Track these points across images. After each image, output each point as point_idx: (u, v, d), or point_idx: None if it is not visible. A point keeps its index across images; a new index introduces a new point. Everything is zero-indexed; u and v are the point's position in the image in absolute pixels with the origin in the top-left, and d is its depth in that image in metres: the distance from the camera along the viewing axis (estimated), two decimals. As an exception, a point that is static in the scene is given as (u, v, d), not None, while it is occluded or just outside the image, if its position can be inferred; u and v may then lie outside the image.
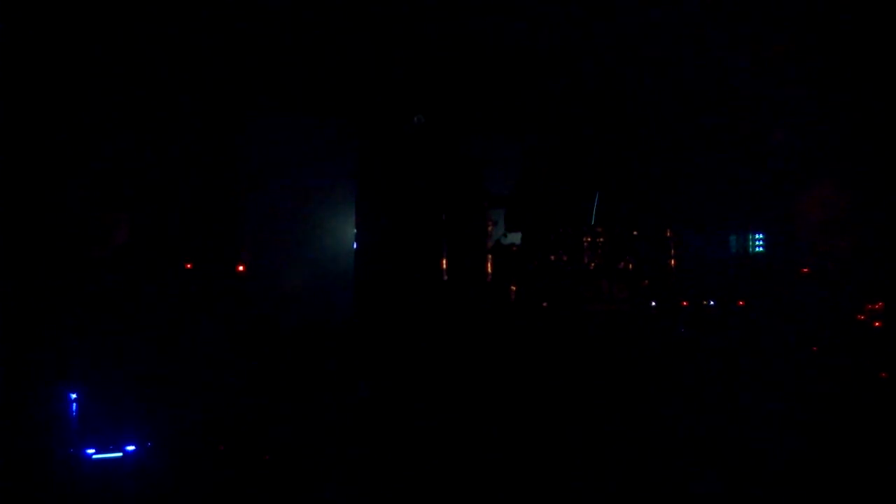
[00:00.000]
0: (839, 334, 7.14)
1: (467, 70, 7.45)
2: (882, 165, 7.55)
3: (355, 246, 7.22)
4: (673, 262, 7.14)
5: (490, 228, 7.15)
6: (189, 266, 6.76)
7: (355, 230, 7.23)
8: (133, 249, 6.51)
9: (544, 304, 6.62)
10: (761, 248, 8.68)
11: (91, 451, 4.71)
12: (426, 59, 7.40)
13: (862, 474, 4.31)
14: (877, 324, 7.26)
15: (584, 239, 6.75)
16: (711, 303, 7.98)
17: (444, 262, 6.84)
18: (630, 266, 6.85)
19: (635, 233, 6.97)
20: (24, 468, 4.45)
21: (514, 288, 6.84)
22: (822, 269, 7.99)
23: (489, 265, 7.04)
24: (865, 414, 5.35)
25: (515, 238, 7.22)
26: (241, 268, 7.15)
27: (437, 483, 4.37)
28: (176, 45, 6.38)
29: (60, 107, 5.88)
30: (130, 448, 4.77)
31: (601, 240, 6.79)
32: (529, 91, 7.37)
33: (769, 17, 6.87)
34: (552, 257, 6.72)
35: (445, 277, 6.86)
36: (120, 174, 6.45)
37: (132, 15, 6.06)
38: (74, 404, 5.16)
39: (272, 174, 7.57)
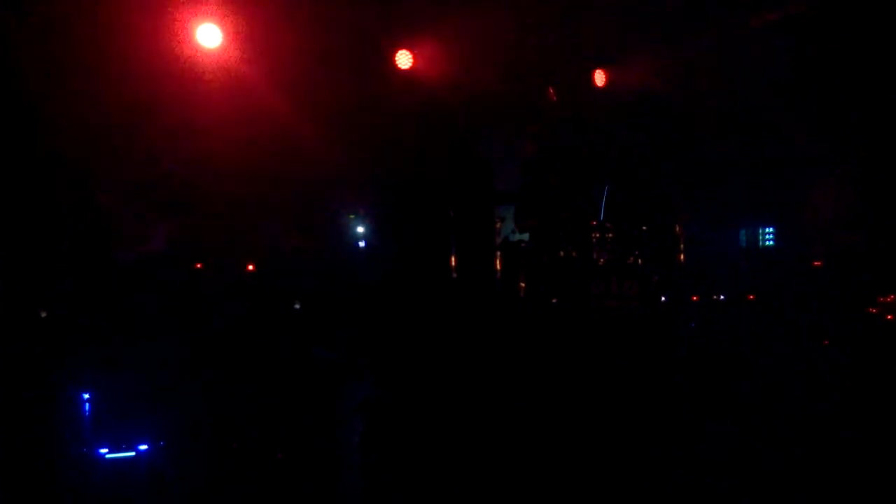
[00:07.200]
0: (851, 328, 7.10)
1: (474, 67, 7.45)
2: (893, 157, 7.50)
3: (364, 244, 7.24)
4: (682, 256, 7.11)
5: (498, 225, 7.13)
6: (199, 266, 6.80)
7: (364, 228, 7.25)
8: (148, 252, 6.56)
9: (554, 301, 6.60)
10: (771, 242, 8.65)
11: (104, 450, 4.74)
12: (433, 56, 7.40)
13: (874, 468, 4.29)
14: (889, 317, 7.22)
15: (593, 235, 6.71)
16: (721, 297, 7.95)
17: (454, 259, 6.83)
18: (639, 261, 6.81)
19: (644, 228, 6.93)
20: (38, 468, 4.48)
21: (523, 284, 6.82)
22: (833, 262, 7.94)
23: (498, 262, 7.02)
24: (878, 407, 5.33)
25: (524, 234, 7.21)
26: (250, 267, 7.19)
27: (447, 480, 4.37)
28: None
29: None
30: (143, 447, 4.80)
31: (610, 235, 6.75)
32: (537, 87, 7.35)
33: (782, 11, 6.84)
34: (561, 253, 6.69)
35: (455, 275, 6.86)
36: (140, 179, 6.51)
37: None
38: (87, 404, 5.20)
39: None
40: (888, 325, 7.17)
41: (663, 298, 6.88)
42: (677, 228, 7.10)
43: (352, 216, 7.88)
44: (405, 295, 6.76)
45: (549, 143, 7.22)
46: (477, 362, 5.85)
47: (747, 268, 8.64)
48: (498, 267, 7.00)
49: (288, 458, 4.82)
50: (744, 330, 7.31)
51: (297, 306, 7.20)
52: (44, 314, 5.93)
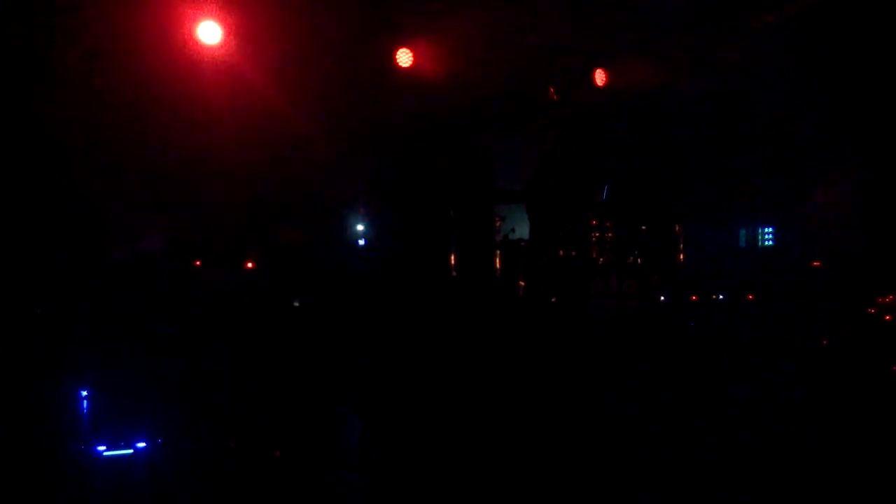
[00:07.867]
0: (849, 328, 7.11)
1: (475, 66, 7.45)
2: (893, 157, 7.51)
3: (364, 242, 7.23)
4: (682, 256, 7.11)
5: (498, 224, 7.13)
6: (198, 263, 6.79)
7: (364, 227, 7.23)
8: (146, 250, 6.54)
9: (553, 299, 6.61)
10: (771, 242, 8.65)
11: (102, 448, 4.72)
12: (433, 54, 7.40)
13: (872, 469, 4.29)
14: (887, 317, 7.22)
15: (593, 234, 6.72)
16: (721, 297, 7.95)
17: (453, 257, 6.83)
18: (639, 261, 6.83)
19: (644, 227, 6.94)
20: (36, 465, 4.46)
21: (522, 283, 6.83)
22: (832, 262, 7.95)
23: (498, 260, 7.03)
24: (876, 409, 5.33)
25: (523, 233, 7.21)
26: (249, 265, 7.18)
27: (446, 479, 4.36)
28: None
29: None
30: (141, 445, 4.78)
31: (610, 235, 6.76)
32: (537, 86, 7.36)
33: (782, 12, 6.84)
34: (561, 252, 6.70)
35: (454, 273, 6.86)
36: (138, 176, 6.50)
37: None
38: (85, 402, 5.18)
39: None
40: (887, 325, 7.18)
41: (662, 298, 6.88)
42: (677, 228, 7.10)
43: (352, 214, 7.86)
44: (405, 293, 6.75)
45: (549, 143, 7.22)
46: (476, 361, 5.85)
47: (746, 268, 8.64)
48: (498, 266, 7.00)
49: (286, 456, 4.80)
50: (743, 330, 7.31)
51: (296, 304, 7.18)
52: (39, 311, 5.91)
